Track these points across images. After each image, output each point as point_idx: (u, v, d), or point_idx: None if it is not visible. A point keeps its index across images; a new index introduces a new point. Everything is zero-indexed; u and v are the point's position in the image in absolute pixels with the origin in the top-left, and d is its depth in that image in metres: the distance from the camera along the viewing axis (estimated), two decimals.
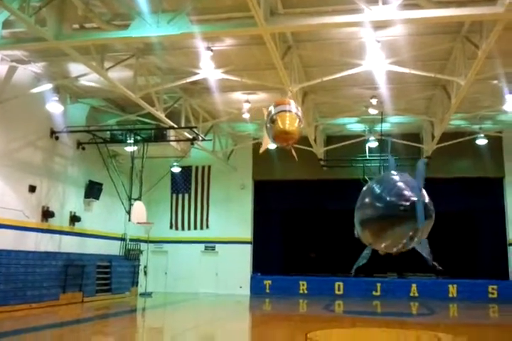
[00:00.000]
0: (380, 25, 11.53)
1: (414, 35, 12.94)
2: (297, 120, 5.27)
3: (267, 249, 23.98)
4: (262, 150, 6.23)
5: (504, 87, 15.70)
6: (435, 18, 10.08)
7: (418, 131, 22.51)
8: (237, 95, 17.93)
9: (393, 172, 5.71)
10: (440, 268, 5.52)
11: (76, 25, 12.04)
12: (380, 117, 18.30)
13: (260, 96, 17.88)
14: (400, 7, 9.71)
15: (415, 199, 4.83)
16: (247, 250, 23.99)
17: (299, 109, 5.78)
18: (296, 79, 14.16)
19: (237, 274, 23.52)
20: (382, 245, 5.58)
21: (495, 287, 21.47)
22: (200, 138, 19.67)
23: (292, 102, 5.71)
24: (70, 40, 11.46)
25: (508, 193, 22.50)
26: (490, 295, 21.37)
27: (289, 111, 5.34)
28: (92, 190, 19.63)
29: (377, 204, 5.26)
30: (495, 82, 15.75)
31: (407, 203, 4.82)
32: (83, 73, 15.45)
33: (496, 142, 21.97)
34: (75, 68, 15.59)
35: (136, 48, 14.25)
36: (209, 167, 24.64)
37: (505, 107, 17.00)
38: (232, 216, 24.11)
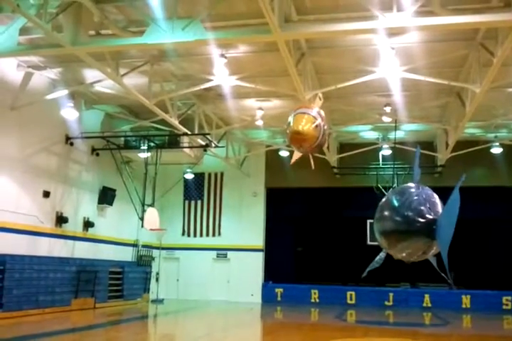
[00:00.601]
0: (394, 32, 11.47)
1: (429, 42, 12.89)
2: (314, 123, 5.14)
3: (278, 257, 23.87)
4: (292, 161, 6.10)
5: None
6: (450, 25, 10.04)
7: (432, 139, 22.35)
8: (251, 102, 17.96)
9: (414, 184, 5.83)
10: (451, 282, 5.53)
11: (92, 32, 12.16)
12: (394, 125, 18.20)
13: (274, 103, 17.90)
14: (414, 14, 9.68)
15: (431, 217, 4.94)
16: (259, 258, 23.91)
17: (322, 114, 5.54)
18: (310, 86, 14.17)
19: (248, 282, 23.43)
20: (398, 255, 5.69)
21: (509, 298, 21.14)
22: (213, 145, 19.72)
23: (316, 108, 5.56)
24: (86, 46, 11.58)
25: None
26: (504, 307, 21.04)
27: (307, 113, 5.23)
28: (106, 196, 19.74)
29: (395, 217, 5.43)
30: (510, 90, 15.63)
31: (423, 220, 4.95)
32: (98, 79, 15.60)
33: (511, 151, 21.74)
34: (90, 74, 15.75)
35: (150, 55, 14.36)
36: (222, 174, 24.67)
37: None
38: (245, 223, 24.07)
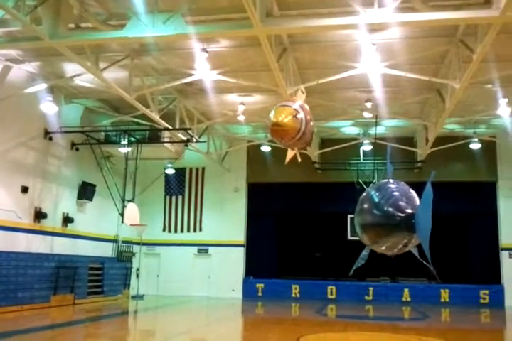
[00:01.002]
0: (375, 28, 11.52)
1: (410, 38, 12.96)
2: (294, 115, 5.05)
3: (260, 252, 23.88)
4: (287, 160, 6.01)
5: (498, 92, 15.75)
6: (430, 22, 10.10)
7: (412, 134, 22.57)
8: (232, 97, 17.90)
9: (391, 180, 5.95)
10: (434, 272, 5.62)
11: (71, 25, 11.97)
12: (375, 121, 18.31)
13: (255, 98, 17.87)
14: (395, 10, 9.71)
15: (410, 211, 5.13)
16: (241, 253, 23.92)
17: (306, 107, 5.36)
18: (292, 82, 14.16)
19: (229, 277, 23.44)
20: (379, 249, 5.76)
21: (486, 292, 21.51)
22: (195, 140, 19.63)
23: (299, 101, 5.48)
24: (65, 39, 11.40)
25: (501, 198, 22.55)
26: (481, 300, 21.41)
27: (287, 105, 5.17)
28: (86, 191, 19.55)
29: (375, 212, 5.56)
30: (489, 86, 15.81)
31: (403, 214, 5.13)
32: (78, 73, 15.39)
33: (489, 146, 22.05)
34: (70, 68, 15.54)
35: (131, 49, 14.21)
36: (203, 169, 24.59)
37: (499, 112, 17.07)
38: (226, 218, 24.04)
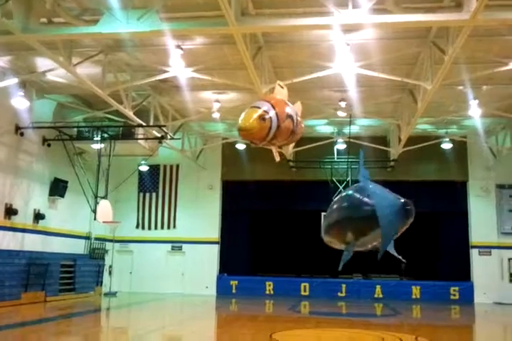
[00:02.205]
0: (349, 29, 11.65)
1: (383, 39, 13.12)
2: (261, 116, 4.95)
3: (234, 250, 23.91)
4: (277, 159, 5.92)
5: (469, 93, 16.03)
6: (403, 23, 10.27)
7: (385, 134, 22.83)
8: (208, 94, 17.88)
9: (362, 183, 5.99)
10: (403, 261, 5.75)
11: (44, 20, 11.83)
12: (349, 120, 18.48)
13: (231, 95, 17.87)
14: (369, 11, 9.83)
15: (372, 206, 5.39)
16: (215, 250, 23.92)
17: (282, 105, 5.18)
18: (267, 80, 14.19)
19: (203, 274, 23.44)
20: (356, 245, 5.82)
21: (456, 289, 21.94)
22: (169, 137, 19.53)
23: (274, 99, 5.33)
24: (37, 34, 11.27)
25: (471, 197, 23.00)
26: (452, 297, 21.83)
27: (256, 106, 5.07)
28: (57, 188, 19.31)
29: (348, 209, 5.86)
30: (460, 87, 16.10)
31: (369, 208, 5.41)
32: (50, 68, 15.20)
33: (460, 146, 22.45)
34: (42, 63, 15.31)
35: (105, 44, 14.07)
36: (177, 166, 24.49)
37: (470, 112, 17.38)
38: (200, 216, 24.00)
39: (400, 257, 5.70)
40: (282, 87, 5.44)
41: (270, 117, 4.89)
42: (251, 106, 4.98)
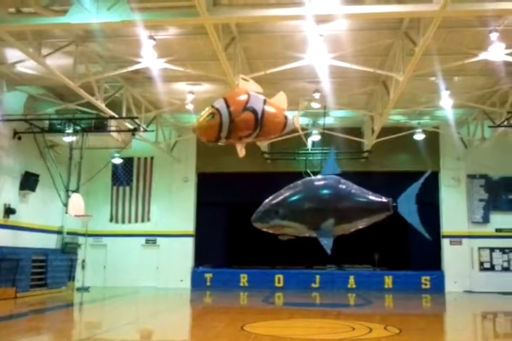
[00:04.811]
0: (322, 19, 11.64)
1: (356, 30, 13.16)
2: (209, 116, 4.95)
3: (209, 242, 23.84)
4: (240, 154, 5.70)
5: (440, 84, 16.21)
6: (375, 14, 10.30)
7: (359, 125, 22.96)
8: (181, 85, 17.72)
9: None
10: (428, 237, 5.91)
11: (12, 9, 11.52)
12: (323, 111, 18.53)
13: (205, 87, 17.76)
14: (341, 2, 9.83)
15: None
16: (189, 243, 23.83)
17: (239, 99, 5.04)
18: (240, 71, 14.08)
19: (178, 268, 23.33)
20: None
21: (428, 278, 22.31)
22: (142, 129, 19.33)
23: (235, 94, 5.24)
24: (5, 24, 11.04)
25: (443, 187, 23.34)
26: (423, 286, 22.20)
27: (212, 106, 5.08)
28: (28, 182, 18.97)
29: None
30: (432, 78, 16.26)
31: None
32: (20, 59, 14.89)
33: (433, 137, 22.69)
34: (12, 54, 14.97)
35: (75, 35, 13.82)
36: (151, 158, 24.29)
37: (441, 103, 17.59)
38: (175, 209, 23.87)
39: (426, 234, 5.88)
40: (247, 80, 5.36)
41: (220, 113, 4.84)
42: (212, 104, 4.98)
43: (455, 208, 22.98)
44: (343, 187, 5.69)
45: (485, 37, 12.74)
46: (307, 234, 5.75)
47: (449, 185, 23.23)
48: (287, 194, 5.69)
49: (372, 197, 5.73)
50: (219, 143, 5.17)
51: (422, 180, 5.81)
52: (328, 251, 5.43)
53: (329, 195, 5.62)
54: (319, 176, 5.90)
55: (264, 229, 5.91)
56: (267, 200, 5.82)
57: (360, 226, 5.79)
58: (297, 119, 5.78)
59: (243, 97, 5.13)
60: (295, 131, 5.83)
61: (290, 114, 5.62)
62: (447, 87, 16.55)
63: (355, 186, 5.75)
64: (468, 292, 21.74)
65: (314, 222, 5.57)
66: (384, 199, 5.77)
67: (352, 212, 5.61)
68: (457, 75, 16.41)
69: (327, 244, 5.47)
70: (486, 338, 11.22)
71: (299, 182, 5.87)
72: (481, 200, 22.98)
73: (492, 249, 22.59)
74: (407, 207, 5.75)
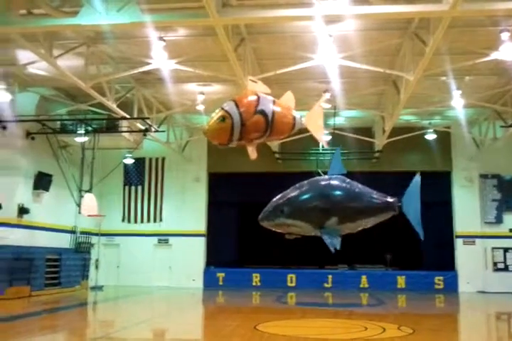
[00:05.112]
0: (331, 20, 11.64)
1: (366, 31, 13.14)
2: (220, 119, 4.92)
3: (221, 242, 23.93)
4: (252, 156, 5.66)
5: (452, 84, 16.13)
6: (384, 14, 10.28)
7: (370, 125, 22.89)
8: (192, 86, 17.81)
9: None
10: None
11: (23, 11, 11.66)
12: (333, 111, 18.53)
13: (215, 88, 17.83)
14: (350, 2, 9.84)
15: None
16: (201, 243, 23.93)
17: (250, 102, 4.96)
18: (250, 72, 14.15)
19: (190, 267, 23.45)
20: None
21: (441, 278, 22.20)
22: (153, 129, 19.45)
23: (247, 97, 5.21)
24: (17, 26, 11.16)
25: (455, 187, 23.21)
26: (436, 286, 22.09)
27: (222, 108, 5.04)
28: (42, 182, 19.16)
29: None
30: (443, 78, 16.18)
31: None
32: (32, 61, 15.02)
33: (444, 137, 22.58)
34: (24, 55, 15.11)
35: (86, 36, 13.97)
36: (163, 159, 24.42)
37: (453, 103, 17.50)
38: (186, 208, 23.98)
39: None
40: (255, 82, 5.35)
41: (231, 117, 4.83)
42: (221, 106, 4.96)
43: (468, 208, 22.83)
44: (348, 186, 5.72)
45: (496, 36, 12.66)
46: (313, 233, 5.78)
47: (462, 185, 23.09)
48: (293, 193, 5.75)
49: (378, 197, 5.75)
50: (229, 146, 5.17)
51: (417, 177, 5.88)
52: (332, 250, 5.48)
53: (334, 195, 5.66)
54: (325, 176, 5.94)
55: (271, 228, 5.97)
56: (273, 199, 5.89)
57: (366, 226, 5.81)
58: (318, 117, 5.79)
59: (253, 100, 5.11)
60: (306, 130, 5.79)
61: (299, 114, 5.62)
62: (458, 86, 16.47)
63: (360, 186, 5.78)
64: (482, 292, 21.60)
65: (319, 221, 5.61)
66: (389, 199, 5.77)
67: (357, 212, 5.64)
68: (468, 75, 16.32)
69: (331, 242, 5.51)
70: (500, 338, 11.14)
71: (305, 181, 5.93)
72: (494, 200, 22.80)
73: (506, 250, 22.39)
74: (412, 206, 5.79)
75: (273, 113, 5.18)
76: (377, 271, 23.07)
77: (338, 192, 5.70)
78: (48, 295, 18.30)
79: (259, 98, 5.23)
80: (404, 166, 22.60)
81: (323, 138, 5.81)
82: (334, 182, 5.76)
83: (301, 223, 5.69)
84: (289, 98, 5.70)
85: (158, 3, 11.07)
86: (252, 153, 5.53)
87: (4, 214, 17.22)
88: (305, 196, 5.72)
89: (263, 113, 5.15)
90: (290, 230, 5.88)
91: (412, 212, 5.78)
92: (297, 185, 5.90)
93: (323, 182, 5.87)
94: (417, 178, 5.87)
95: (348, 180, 5.80)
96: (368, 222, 5.78)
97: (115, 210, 23.98)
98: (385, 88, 17.71)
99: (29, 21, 11.43)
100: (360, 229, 5.83)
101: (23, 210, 18.26)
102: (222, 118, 4.81)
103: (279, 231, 5.95)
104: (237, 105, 4.93)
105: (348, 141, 21.22)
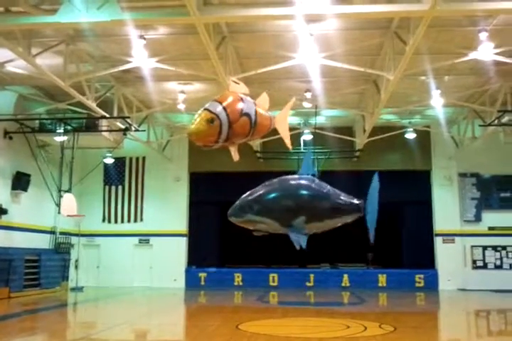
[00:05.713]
0: (312, 19, 11.67)
1: (347, 30, 13.19)
2: (208, 120, 4.85)
3: (202, 242, 23.84)
4: (235, 158, 5.64)
5: (431, 83, 16.28)
6: (365, 14, 10.34)
7: (351, 124, 23.00)
8: (172, 85, 17.70)
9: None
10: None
11: (1, 9, 11.47)
12: (315, 110, 18.57)
13: (196, 86, 17.75)
14: (331, 1, 9.86)
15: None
16: (183, 243, 23.83)
17: (235, 105, 4.88)
18: (231, 71, 14.12)
19: (171, 267, 23.33)
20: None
21: (421, 276, 22.42)
22: (134, 129, 19.30)
23: (229, 98, 5.17)
24: None
25: (435, 186, 23.45)
26: (417, 284, 22.30)
27: (206, 109, 4.97)
28: (20, 182, 18.91)
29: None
30: (423, 77, 16.33)
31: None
32: (10, 59, 14.77)
33: (424, 136, 22.80)
34: (1, 54, 14.79)
35: (66, 34, 13.78)
36: (143, 158, 24.25)
37: (432, 102, 17.67)
38: (167, 208, 23.86)
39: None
40: (238, 83, 5.32)
41: (220, 119, 4.79)
42: (203, 108, 4.89)
43: (447, 207, 23.08)
44: (317, 187, 5.76)
45: (474, 36, 12.81)
46: (281, 231, 5.81)
47: (441, 183, 23.34)
48: (262, 191, 5.77)
49: (344, 198, 5.81)
50: (214, 147, 5.12)
51: (376, 178, 6.04)
52: (297, 247, 5.55)
53: (302, 194, 5.71)
54: (295, 175, 5.99)
55: (239, 224, 5.97)
56: (243, 196, 5.91)
57: (333, 226, 5.86)
58: (286, 118, 5.75)
59: (240, 102, 5.09)
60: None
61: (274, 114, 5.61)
62: (438, 86, 16.64)
63: (329, 187, 5.83)
64: (462, 290, 21.85)
65: (286, 218, 5.66)
66: (356, 201, 5.83)
67: (323, 212, 5.70)
68: (448, 74, 16.49)
69: (297, 240, 5.57)
70: (480, 335, 11.28)
71: (275, 180, 5.95)
72: (473, 199, 23.08)
73: (485, 247, 22.70)
74: (371, 207, 5.91)
75: (256, 115, 5.18)
76: (359, 270, 23.22)
77: (306, 192, 5.75)
78: (27, 297, 18.06)
79: (242, 100, 5.21)
80: (385, 165, 22.76)
81: (289, 140, 5.75)
82: (303, 182, 5.81)
83: (268, 220, 5.72)
84: (264, 99, 5.68)
85: (139, 1, 10.96)
86: (235, 154, 5.52)
87: None
88: (274, 194, 5.75)
89: (248, 115, 5.13)
90: (258, 227, 5.89)
91: (370, 215, 5.88)
92: (266, 182, 5.92)
93: (292, 182, 5.91)
94: (376, 179, 6.01)
95: (317, 180, 5.84)
96: (335, 223, 5.84)
97: (95, 210, 23.75)
98: (366, 87, 17.80)
99: (7, 19, 11.24)
100: (327, 228, 5.89)
101: (1, 211, 18.01)
102: (211, 120, 4.75)
103: (247, 227, 5.96)
104: (224, 108, 4.87)
105: (329, 140, 21.33)
